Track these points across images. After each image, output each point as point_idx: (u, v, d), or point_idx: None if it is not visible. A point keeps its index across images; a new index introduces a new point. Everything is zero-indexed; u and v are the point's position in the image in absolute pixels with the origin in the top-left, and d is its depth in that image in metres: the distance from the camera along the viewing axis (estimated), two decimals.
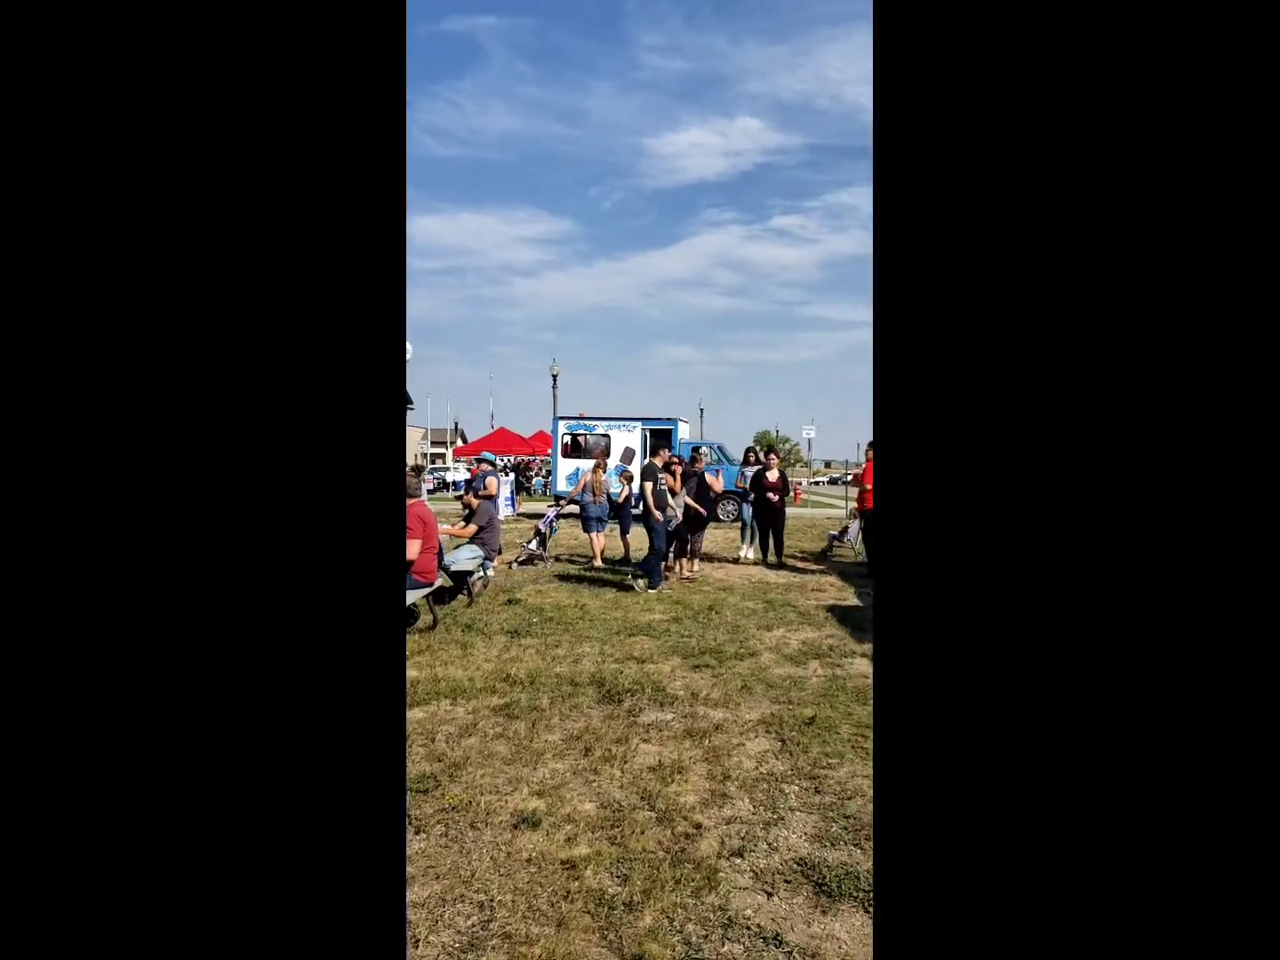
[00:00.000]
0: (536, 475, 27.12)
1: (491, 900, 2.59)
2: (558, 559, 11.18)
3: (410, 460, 39.56)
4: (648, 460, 9.51)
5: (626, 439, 18.90)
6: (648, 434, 18.77)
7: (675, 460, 9.64)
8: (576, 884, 2.67)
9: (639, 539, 11.01)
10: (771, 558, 10.79)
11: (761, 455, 11.85)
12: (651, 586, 8.71)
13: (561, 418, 19.94)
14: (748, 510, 11.25)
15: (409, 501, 6.65)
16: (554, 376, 29.30)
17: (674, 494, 9.36)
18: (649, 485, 8.95)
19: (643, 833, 3.05)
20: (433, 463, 46.89)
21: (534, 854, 2.89)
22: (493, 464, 11.44)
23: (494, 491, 10.30)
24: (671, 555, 9.39)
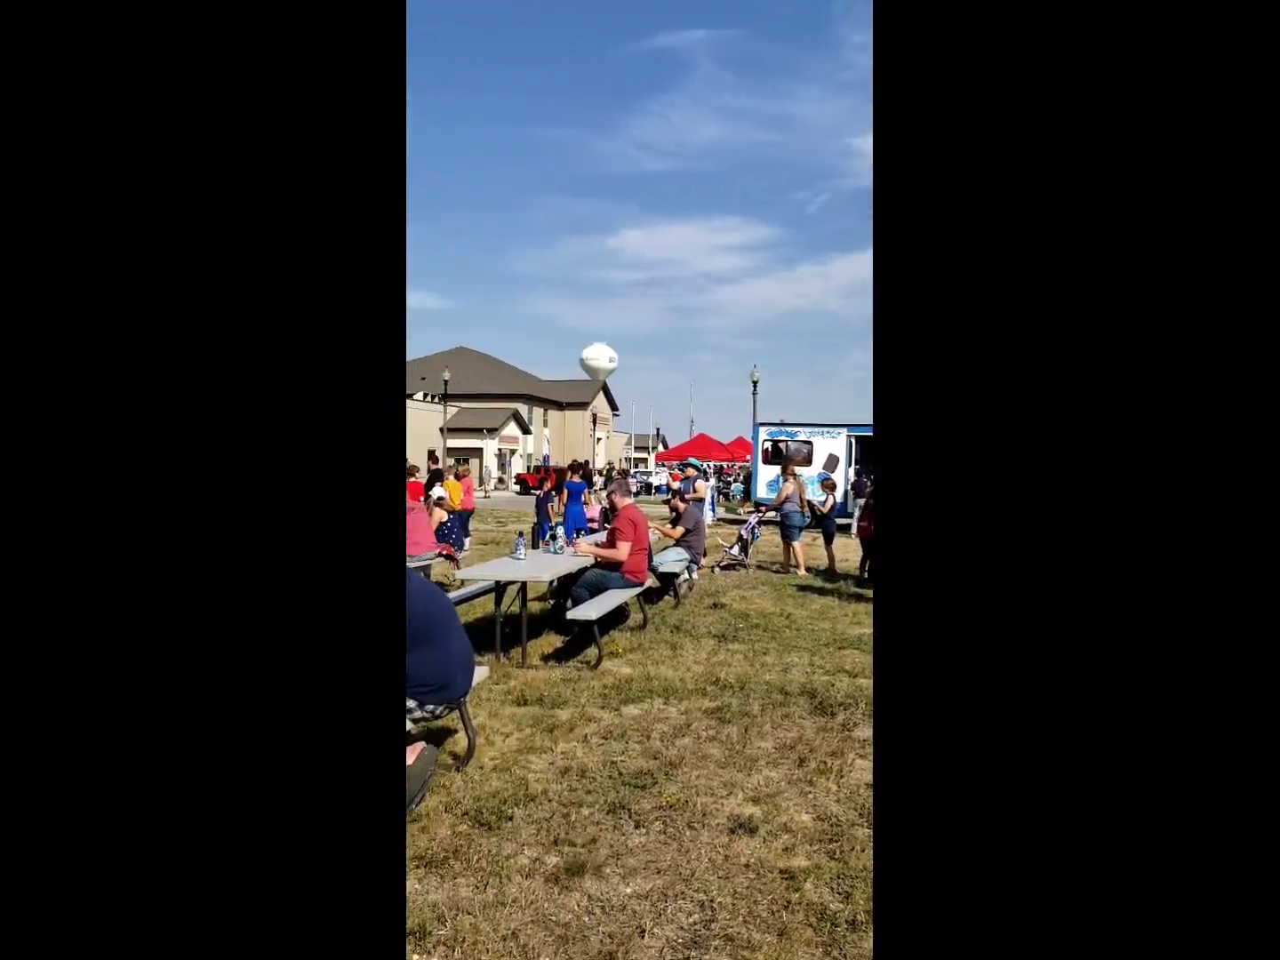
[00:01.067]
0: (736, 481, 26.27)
1: (712, 901, 2.59)
2: (760, 566, 11.01)
3: (617, 464, 41.36)
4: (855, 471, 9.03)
5: (830, 446, 17.94)
6: (853, 441, 17.70)
7: None
8: (796, 895, 2.62)
9: (846, 550, 10.71)
10: None
11: None
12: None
13: (762, 424, 19.35)
14: None
15: (624, 504, 6.88)
16: (754, 382, 28.53)
17: None
18: None
19: (863, 850, 2.93)
20: (636, 466, 48.22)
21: (752, 860, 2.86)
22: (699, 470, 11.29)
23: (703, 495, 10.23)
24: None
